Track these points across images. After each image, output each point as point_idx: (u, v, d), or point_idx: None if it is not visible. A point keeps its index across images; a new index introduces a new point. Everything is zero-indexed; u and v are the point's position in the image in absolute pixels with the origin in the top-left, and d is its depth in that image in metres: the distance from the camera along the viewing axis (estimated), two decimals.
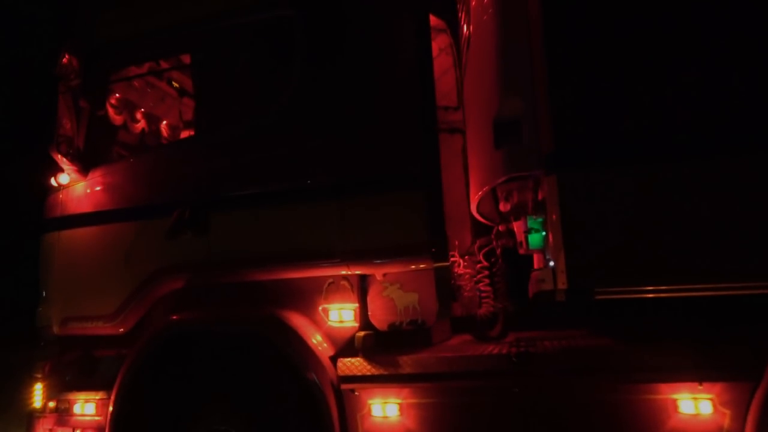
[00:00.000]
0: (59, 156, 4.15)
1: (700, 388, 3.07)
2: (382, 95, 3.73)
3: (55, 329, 4.30)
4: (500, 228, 4.41)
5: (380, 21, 3.83)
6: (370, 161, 3.66)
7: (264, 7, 4.09)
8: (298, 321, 3.74)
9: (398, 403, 3.50)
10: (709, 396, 3.07)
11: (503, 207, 4.57)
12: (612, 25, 3.34)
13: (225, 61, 4.17)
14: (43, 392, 4.20)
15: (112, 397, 3.88)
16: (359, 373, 3.54)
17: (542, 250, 3.69)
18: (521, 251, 3.86)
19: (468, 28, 4.32)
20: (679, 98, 3.08)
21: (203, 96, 4.33)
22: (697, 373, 3.06)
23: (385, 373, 3.50)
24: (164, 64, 5.00)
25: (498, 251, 4.27)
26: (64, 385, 4.21)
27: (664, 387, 3.12)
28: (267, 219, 3.83)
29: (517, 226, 4.44)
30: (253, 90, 4.09)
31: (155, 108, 5.24)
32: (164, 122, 5.25)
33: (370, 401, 3.55)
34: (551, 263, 3.47)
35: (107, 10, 4.54)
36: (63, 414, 4.17)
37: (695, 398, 3.09)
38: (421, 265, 3.58)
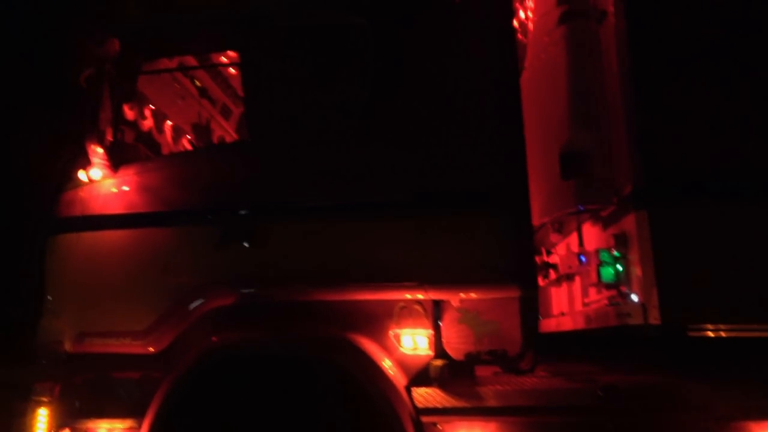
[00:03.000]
0: (95, 148, 3.67)
1: None
2: (463, 110, 3.62)
3: (67, 345, 3.73)
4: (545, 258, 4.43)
5: (461, 31, 3.74)
6: (451, 179, 3.53)
7: (336, 13, 3.90)
8: (369, 346, 3.49)
9: None
10: None
11: (554, 238, 4.61)
12: (705, 58, 3.44)
13: (286, 63, 3.90)
14: (50, 419, 3.60)
15: (146, 427, 3.41)
16: (440, 405, 3.34)
17: (615, 284, 3.70)
18: (591, 281, 3.85)
19: (524, 45, 4.34)
20: None
21: (257, 98, 3.99)
22: None
23: (468, 405, 3.33)
24: (193, 61, 4.63)
25: None
26: (76, 411, 3.64)
27: (754, 426, 3.19)
28: (333, 234, 3.57)
29: (562, 258, 4.48)
30: (319, 97, 3.84)
31: (171, 105, 4.82)
32: (182, 122, 4.82)
33: None
34: (634, 297, 3.50)
35: None
36: None
37: None
38: (507, 293, 3.47)
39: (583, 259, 4.25)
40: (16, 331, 3.82)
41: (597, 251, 3.78)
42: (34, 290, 3.86)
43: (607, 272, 3.72)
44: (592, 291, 4.24)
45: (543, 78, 4.07)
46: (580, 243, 4.48)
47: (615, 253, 3.68)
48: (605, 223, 3.95)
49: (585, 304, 4.43)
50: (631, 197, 3.49)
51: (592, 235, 4.25)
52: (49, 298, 3.87)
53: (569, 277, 4.59)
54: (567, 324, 4.66)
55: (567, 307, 4.79)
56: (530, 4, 4.36)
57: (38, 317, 3.88)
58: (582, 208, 3.91)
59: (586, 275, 4.32)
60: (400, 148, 3.58)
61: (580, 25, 3.96)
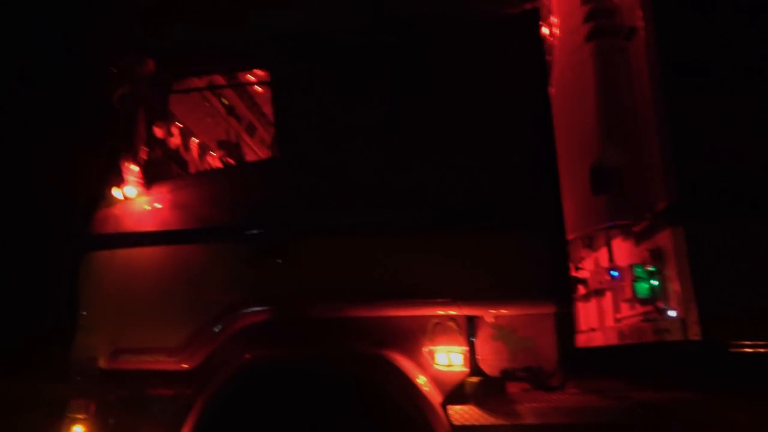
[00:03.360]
0: (130, 165, 3.72)
1: None
2: (496, 127, 3.64)
3: (102, 362, 3.75)
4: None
5: (492, 49, 3.77)
6: (487, 196, 3.54)
7: (362, 31, 3.95)
8: (404, 362, 3.47)
9: None
10: None
11: (583, 253, 4.59)
12: (738, 71, 3.43)
13: (314, 80, 3.94)
14: None
15: None
16: (477, 423, 3.31)
17: (650, 300, 3.67)
18: (625, 297, 3.82)
19: (550, 63, 4.35)
20: None
21: (288, 116, 4.04)
22: None
23: (506, 423, 3.30)
24: (223, 79, 4.69)
25: None
26: (110, 428, 3.65)
27: None
28: (367, 250, 3.59)
29: (592, 273, 4.45)
30: (348, 114, 3.88)
31: (200, 123, 4.88)
32: (211, 140, 4.88)
33: None
34: (672, 313, 3.47)
35: (179, 12, 4.20)
36: None
37: None
38: (542, 309, 3.45)
39: (615, 274, 4.23)
40: (51, 348, 3.81)
41: (631, 266, 3.75)
42: (68, 307, 3.89)
43: (642, 287, 3.69)
44: (625, 306, 4.21)
45: (571, 95, 4.08)
46: (610, 258, 4.45)
47: (650, 268, 3.66)
48: (638, 239, 3.93)
49: (617, 320, 4.39)
50: (666, 212, 3.47)
51: (623, 250, 4.23)
52: (83, 315, 3.90)
53: (599, 293, 4.55)
54: (598, 340, 4.61)
55: (597, 322, 4.75)
56: (555, 21, 4.38)
57: (73, 334, 3.91)
58: (614, 224, 3.90)
59: (617, 290, 4.29)
60: (434, 165, 3.60)
61: (608, 42, 3.99)
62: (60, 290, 4.11)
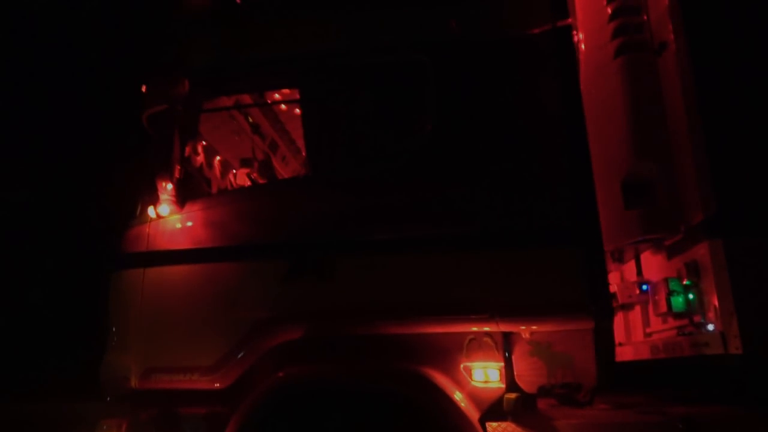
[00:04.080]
0: (165, 184, 3.73)
1: None
2: (531, 144, 3.65)
3: (134, 381, 3.71)
4: None
5: (524, 66, 3.78)
6: (522, 212, 3.53)
7: (396, 50, 3.97)
8: (442, 379, 3.45)
9: None
10: None
11: (612, 267, 4.57)
12: None
13: (350, 99, 3.96)
14: None
15: None
16: None
17: (686, 313, 3.65)
18: (660, 311, 3.79)
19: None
20: None
21: (320, 133, 4.04)
22: None
23: None
24: (247, 99, 4.72)
25: None
26: None
27: None
28: (403, 267, 3.57)
29: (620, 287, 4.42)
30: (384, 132, 3.90)
31: (232, 141, 4.91)
32: (243, 158, 4.90)
33: None
34: (710, 327, 3.45)
35: (210, 34, 4.25)
36: None
37: None
38: (580, 325, 3.43)
39: (645, 287, 4.22)
40: (84, 368, 3.79)
41: (665, 280, 3.75)
42: (100, 326, 3.87)
43: (677, 301, 3.68)
44: (655, 320, 4.19)
45: (598, 110, 4.10)
46: (638, 272, 4.44)
47: (685, 282, 3.64)
48: (670, 252, 3.92)
49: (646, 335, 4.36)
50: (704, 226, 3.47)
51: (653, 264, 4.22)
52: (115, 334, 3.88)
53: (627, 307, 4.54)
54: (627, 354, 4.58)
55: (624, 337, 4.72)
56: (581, 37, 4.42)
57: (105, 353, 3.89)
58: (646, 238, 3.90)
59: (647, 304, 4.28)
60: (469, 181, 3.60)
61: (636, 57, 4.02)
62: (91, 309, 4.09)
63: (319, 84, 4.02)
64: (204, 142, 4.27)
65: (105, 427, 3.67)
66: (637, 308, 4.45)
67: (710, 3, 3.70)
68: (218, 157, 4.54)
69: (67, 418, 4.29)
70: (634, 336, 4.56)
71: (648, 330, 4.32)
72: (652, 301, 4.00)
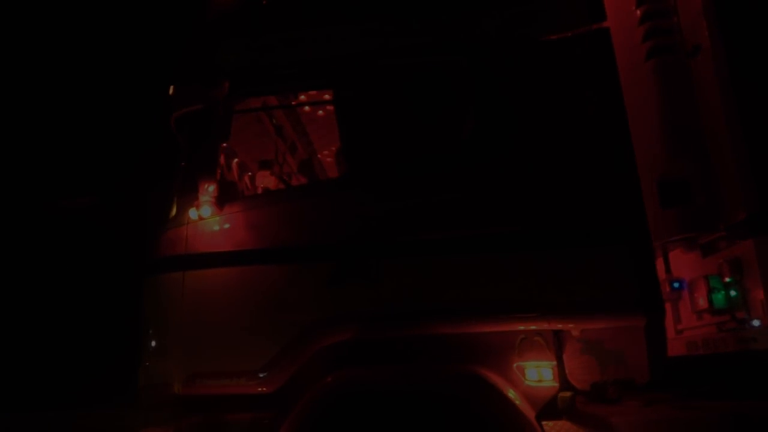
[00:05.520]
0: (207, 186, 3.65)
1: None
2: (578, 143, 3.68)
3: (177, 388, 3.61)
4: None
5: (563, 66, 3.83)
6: (570, 209, 3.57)
7: (434, 51, 3.98)
8: (496, 379, 3.44)
9: None
10: None
11: None
12: None
13: (391, 99, 3.94)
14: None
15: None
16: None
17: (728, 310, 3.72)
18: (699, 308, 3.86)
19: None
20: None
21: (357, 134, 4.00)
22: None
23: None
24: (282, 100, 4.66)
25: None
26: None
27: None
28: (452, 268, 3.56)
29: None
30: (426, 133, 3.88)
31: (254, 143, 4.84)
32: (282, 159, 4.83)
33: None
34: (756, 323, 3.52)
35: (242, 36, 4.18)
36: None
37: None
38: (632, 321, 3.46)
39: (677, 285, 4.29)
40: (123, 376, 3.67)
41: (706, 278, 3.82)
42: (139, 332, 3.76)
43: (718, 298, 3.75)
44: (688, 317, 4.26)
45: (634, 110, 4.16)
46: (667, 270, 4.51)
47: (727, 279, 3.72)
48: (706, 250, 4.00)
49: (678, 331, 4.43)
50: (746, 223, 3.54)
51: (685, 261, 4.29)
52: (156, 339, 3.77)
53: None
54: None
55: None
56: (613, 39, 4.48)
57: (142, 359, 3.78)
58: (682, 236, 3.97)
59: (678, 301, 4.35)
60: (516, 181, 3.62)
61: (668, 59, 4.10)
62: (131, 315, 3.96)
63: (360, 84, 3.99)
64: (246, 143, 4.19)
65: None
66: (666, 306, 4.52)
67: (744, 4, 3.80)
68: (251, 159, 4.46)
69: (108, 427, 4.13)
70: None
71: (679, 327, 4.39)
72: (689, 298, 4.07)
